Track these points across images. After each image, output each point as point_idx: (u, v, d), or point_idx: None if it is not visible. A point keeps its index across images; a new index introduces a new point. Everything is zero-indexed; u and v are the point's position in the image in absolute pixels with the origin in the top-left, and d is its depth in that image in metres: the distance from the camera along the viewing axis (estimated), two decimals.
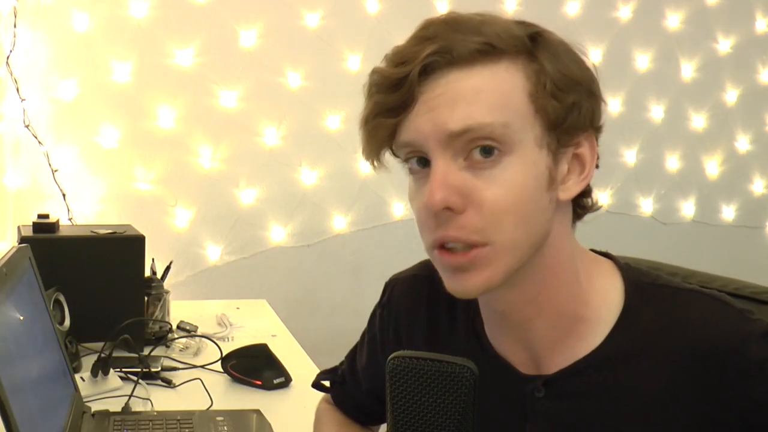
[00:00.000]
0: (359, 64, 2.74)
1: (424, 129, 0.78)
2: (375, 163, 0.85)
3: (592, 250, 0.91)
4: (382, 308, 1.05)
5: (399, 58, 0.79)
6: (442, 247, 0.79)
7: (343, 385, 1.15)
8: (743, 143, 3.39)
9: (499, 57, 0.78)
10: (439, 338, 0.95)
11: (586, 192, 0.85)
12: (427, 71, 0.77)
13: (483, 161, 0.77)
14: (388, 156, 0.85)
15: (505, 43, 0.78)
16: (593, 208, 0.87)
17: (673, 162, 3.28)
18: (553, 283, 0.84)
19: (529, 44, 0.79)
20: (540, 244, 0.81)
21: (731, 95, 3.34)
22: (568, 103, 0.79)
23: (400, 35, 0.81)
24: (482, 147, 0.77)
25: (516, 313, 0.86)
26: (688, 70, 3.26)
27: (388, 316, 1.03)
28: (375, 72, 0.81)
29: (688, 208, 3.33)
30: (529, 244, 0.80)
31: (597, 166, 0.84)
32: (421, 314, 0.98)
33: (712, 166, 3.36)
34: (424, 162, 0.80)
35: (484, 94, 0.77)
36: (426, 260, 1.03)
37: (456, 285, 0.81)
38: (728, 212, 3.41)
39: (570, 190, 0.83)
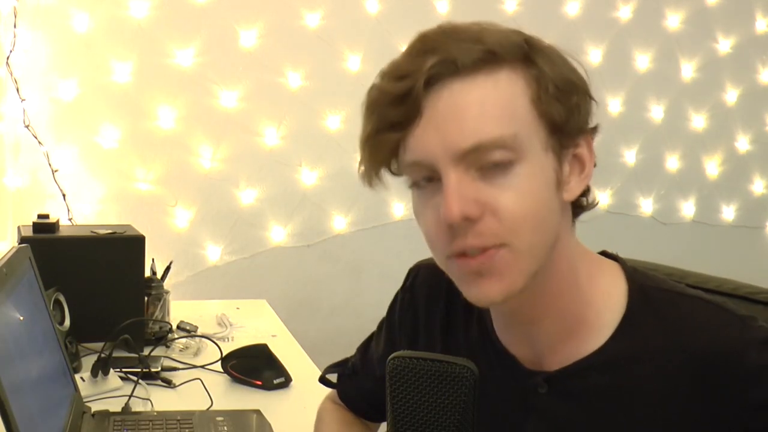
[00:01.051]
0: (359, 64, 2.74)
1: (433, 149, 0.77)
2: (373, 181, 0.84)
3: (603, 253, 0.91)
4: (404, 293, 1.05)
5: (399, 72, 0.78)
6: (459, 255, 0.78)
7: (352, 378, 1.15)
8: (743, 143, 3.39)
9: (500, 65, 0.78)
10: (454, 329, 0.96)
11: (585, 191, 0.86)
12: (431, 83, 0.76)
13: (495, 169, 0.77)
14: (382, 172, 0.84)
15: (505, 50, 0.78)
16: (591, 206, 0.87)
17: (673, 162, 3.28)
18: (555, 284, 0.84)
19: (527, 49, 0.79)
20: (553, 246, 0.81)
21: (731, 95, 3.34)
22: (570, 105, 0.80)
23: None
24: (493, 156, 0.76)
25: (521, 314, 0.87)
26: (688, 70, 3.25)
27: (409, 300, 1.04)
28: (374, 89, 0.80)
29: (688, 208, 3.33)
30: (546, 248, 0.80)
31: (594, 165, 0.85)
32: (439, 304, 0.98)
33: (712, 166, 3.35)
34: (430, 178, 0.79)
35: (489, 106, 0.77)
36: None
37: (476, 292, 0.80)
38: (728, 212, 3.40)
39: (573, 190, 0.83)
